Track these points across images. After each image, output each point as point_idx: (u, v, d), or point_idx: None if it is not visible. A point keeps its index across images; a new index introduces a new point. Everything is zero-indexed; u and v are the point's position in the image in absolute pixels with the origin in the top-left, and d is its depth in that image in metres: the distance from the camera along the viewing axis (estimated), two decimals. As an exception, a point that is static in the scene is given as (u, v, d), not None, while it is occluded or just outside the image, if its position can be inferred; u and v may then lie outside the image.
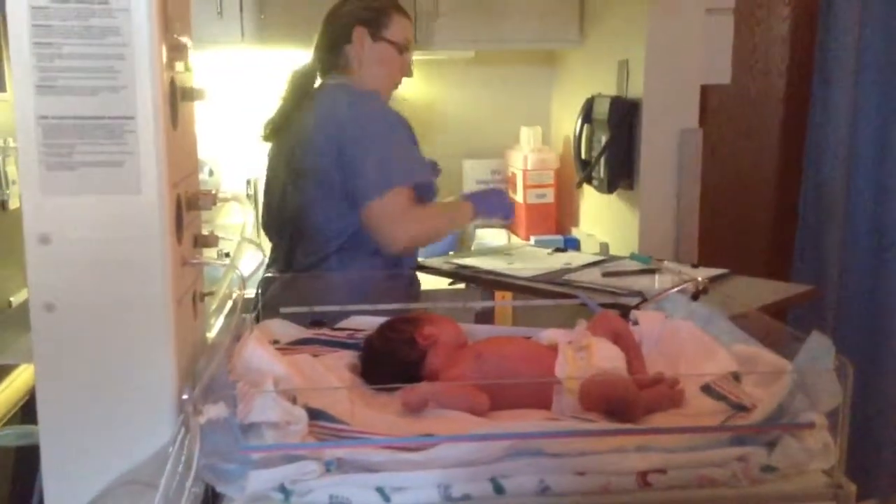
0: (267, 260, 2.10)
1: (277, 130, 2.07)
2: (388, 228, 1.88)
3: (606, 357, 1.16)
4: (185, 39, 1.08)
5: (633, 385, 1.11)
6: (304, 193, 1.95)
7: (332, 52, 2.05)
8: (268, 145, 2.14)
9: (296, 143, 1.98)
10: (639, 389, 1.10)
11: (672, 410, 1.11)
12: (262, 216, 2.15)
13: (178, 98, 1.02)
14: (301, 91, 2.06)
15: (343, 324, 1.42)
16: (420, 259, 2.16)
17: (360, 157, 1.88)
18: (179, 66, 1.03)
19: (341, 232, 1.93)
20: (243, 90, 2.99)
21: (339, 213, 1.92)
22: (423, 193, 1.96)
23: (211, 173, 2.90)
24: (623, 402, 1.08)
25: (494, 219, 2.19)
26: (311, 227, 1.95)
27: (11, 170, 2.09)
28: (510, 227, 2.97)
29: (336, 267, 1.94)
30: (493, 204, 2.13)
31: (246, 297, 1.28)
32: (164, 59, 0.95)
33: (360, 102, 1.96)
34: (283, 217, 2.03)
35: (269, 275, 2.00)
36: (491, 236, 2.89)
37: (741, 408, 1.05)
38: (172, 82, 1.00)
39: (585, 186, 2.73)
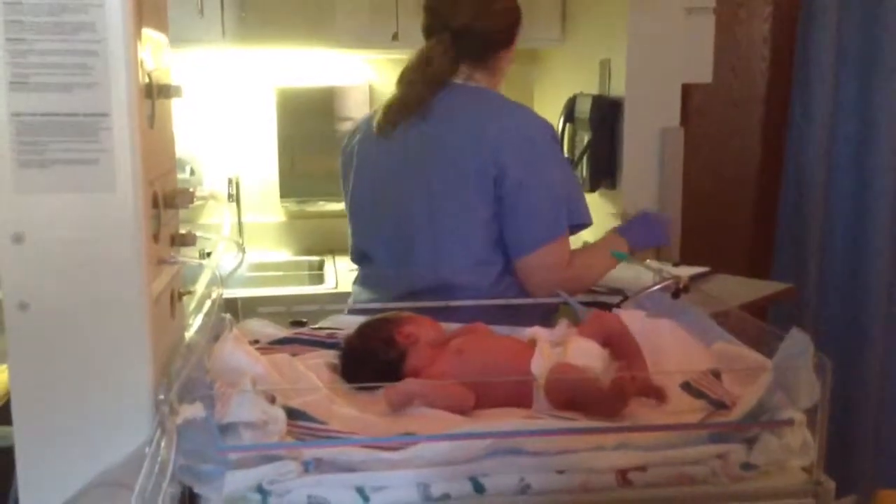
0: (243, 259, 1.83)
1: (396, 126, 1.64)
2: (550, 284, 1.58)
3: (581, 354, 1.16)
4: (161, 36, 1.07)
5: (594, 381, 1.10)
6: (439, 227, 1.59)
7: (482, 52, 1.67)
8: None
9: (438, 155, 1.59)
10: (605, 387, 1.09)
11: (652, 408, 1.11)
12: (360, 228, 1.74)
13: (154, 95, 1.01)
14: (438, 86, 1.63)
15: (323, 323, 1.41)
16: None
17: (528, 195, 1.56)
18: (156, 62, 1.02)
19: (477, 285, 1.58)
20: (225, 89, 2.97)
21: (484, 264, 1.59)
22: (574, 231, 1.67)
23: (192, 172, 2.87)
24: (582, 396, 1.08)
25: (650, 247, 1.89)
26: (438, 274, 1.59)
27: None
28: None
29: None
30: (646, 233, 1.80)
31: (225, 296, 1.27)
32: (140, 56, 0.94)
33: (527, 120, 1.64)
34: (398, 244, 1.63)
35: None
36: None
37: (721, 405, 1.05)
38: (148, 79, 0.99)
39: (568, 185, 2.72)
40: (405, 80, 1.65)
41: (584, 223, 1.65)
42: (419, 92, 1.62)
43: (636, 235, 1.77)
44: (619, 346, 1.21)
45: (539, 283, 1.59)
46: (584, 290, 1.65)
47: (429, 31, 1.68)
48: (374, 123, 1.67)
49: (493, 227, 1.58)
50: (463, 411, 1.10)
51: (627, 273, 1.80)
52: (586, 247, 1.79)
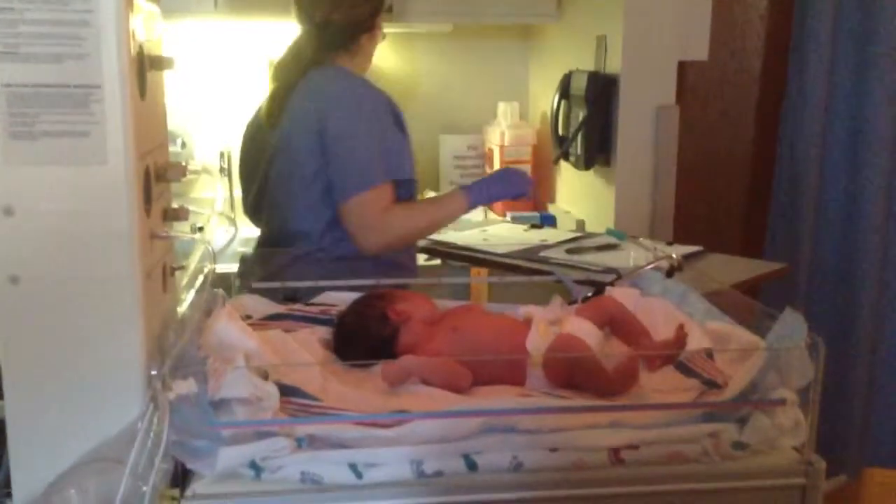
0: (236, 234, 2.19)
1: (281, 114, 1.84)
2: (365, 230, 1.73)
3: (578, 332, 1.15)
4: (152, 6, 1.05)
5: (594, 356, 1.10)
6: (281, 182, 1.82)
7: (345, 40, 1.86)
8: (243, 120, 2.04)
9: (283, 125, 1.81)
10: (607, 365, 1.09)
11: (644, 387, 1.11)
12: (245, 199, 2.02)
13: (146, 67, 1.00)
14: (304, 73, 1.84)
15: (316, 300, 1.40)
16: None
17: (344, 146, 1.73)
18: (147, 33, 1.01)
19: (312, 232, 1.79)
20: (216, 61, 2.94)
21: (315, 211, 1.78)
22: (405, 191, 1.80)
23: (183, 145, 2.85)
24: (586, 373, 1.08)
25: (507, 198, 1.99)
26: (284, 223, 1.82)
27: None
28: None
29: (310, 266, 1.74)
30: (499, 187, 1.90)
31: (218, 271, 1.26)
32: (131, 27, 0.92)
33: (354, 87, 1.80)
34: (260, 204, 1.91)
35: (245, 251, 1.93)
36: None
37: (713, 384, 1.06)
38: (140, 50, 0.97)
39: (562, 163, 2.72)
40: (280, 72, 1.87)
41: (406, 179, 1.80)
42: (291, 79, 1.83)
43: (483, 190, 1.87)
44: (623, 326, 1.21)
45: (357, 228, 1.74)
46: (412, 240, 1.86)
47: (299, 23, 1.89)
48: (264, 116, 1.87)
49: (322, 178, 1.76)
50: (460, 389, 1.09)
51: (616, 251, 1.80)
52: (419, 200, 1.93)
